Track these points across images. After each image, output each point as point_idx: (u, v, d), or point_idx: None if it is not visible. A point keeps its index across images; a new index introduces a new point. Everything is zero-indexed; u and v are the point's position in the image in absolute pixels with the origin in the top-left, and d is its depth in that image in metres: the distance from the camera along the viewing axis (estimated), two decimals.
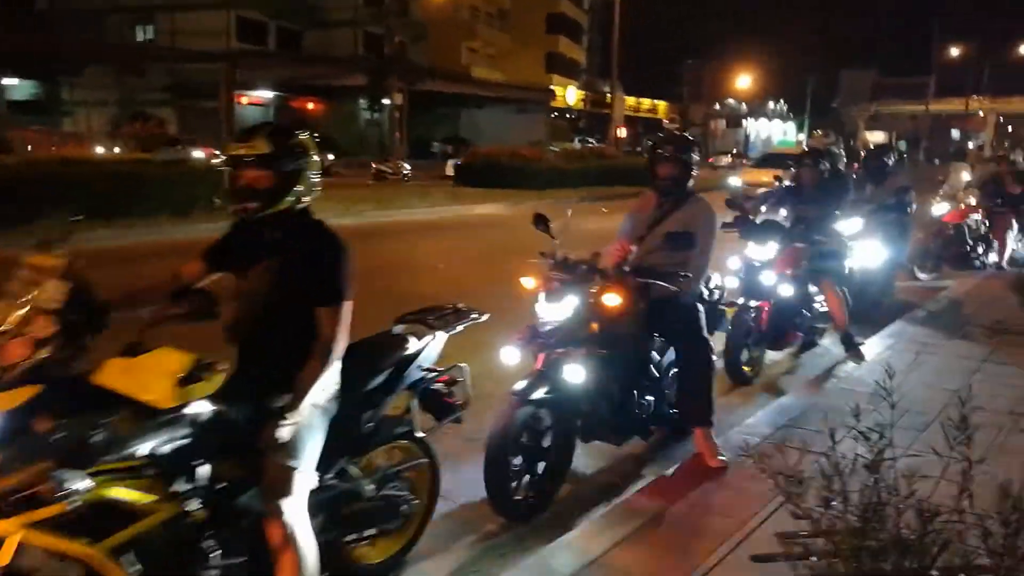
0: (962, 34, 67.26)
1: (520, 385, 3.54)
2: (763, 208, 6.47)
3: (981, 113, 72.14)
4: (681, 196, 4.28)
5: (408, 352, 3.01)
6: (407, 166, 28.31)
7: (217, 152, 33.53)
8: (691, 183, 4.31)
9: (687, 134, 4.50)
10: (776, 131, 77.88)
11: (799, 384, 5.54)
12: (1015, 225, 10.31)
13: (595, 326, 3.67)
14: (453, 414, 3.25)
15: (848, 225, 7.72)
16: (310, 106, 49.28)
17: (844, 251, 6.48)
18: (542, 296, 3.68)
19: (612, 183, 26.26)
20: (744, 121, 68.97)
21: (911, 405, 4.61)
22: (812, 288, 6.23)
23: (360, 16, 48.83)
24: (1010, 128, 77.66)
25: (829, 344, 6.58)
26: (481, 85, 51.05)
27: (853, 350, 6.09)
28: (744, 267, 5.83)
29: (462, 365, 3.31)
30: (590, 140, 57.32)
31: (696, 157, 4.29)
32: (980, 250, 10.23)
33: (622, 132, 58.81)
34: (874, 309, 8.18)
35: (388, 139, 40.62)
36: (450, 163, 27.18)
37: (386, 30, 42.04)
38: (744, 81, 65.52)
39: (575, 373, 3.56)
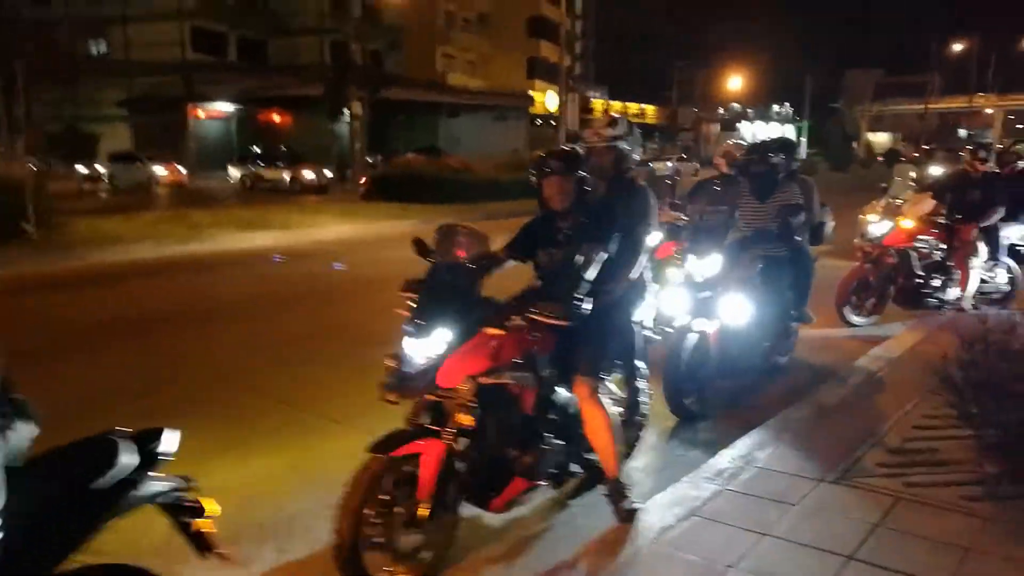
0: (967, 29, 63.97)
1: None
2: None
3: (989, 110, 69.11)
4: None
5: None
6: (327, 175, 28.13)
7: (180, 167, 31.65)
8: None
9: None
10: (774, 134, 74.94)
11: None
12: (981, 249, 7.45)
13: None
14: None
15: (699, 266, 4.99)
16: (276, 118, 47.17)
17: (619, 318, 3.69)
18: None
19: None
20: (738, 124, 66.16)
21: None
22: (563, 394, 3.46)
23: (325, 24, 46.57)
24: (1019, 125, 74.39)
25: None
26: (452, 92, 48.60)
27: (623, 516, 3.31)
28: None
29: None
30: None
31: None
32: (937, 283, 7.39)
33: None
34: (749, 389, 5.45)
35: (349, 150, 38.10)
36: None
37: (345, 37, 39.68)
38: (736, 83, 62.73)
39: None
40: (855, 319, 7.37)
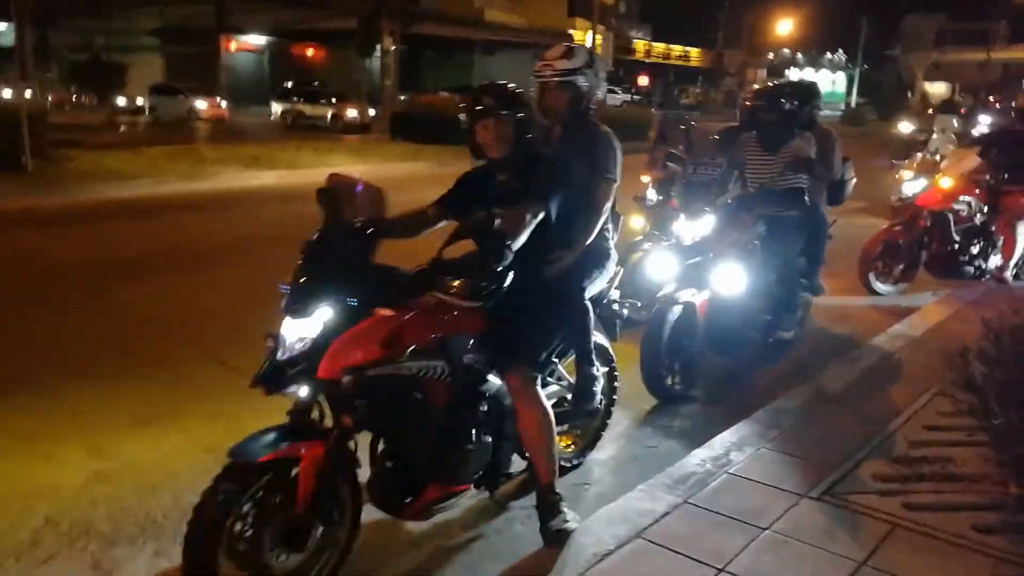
0: None
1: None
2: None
3: None
4: None
5: None
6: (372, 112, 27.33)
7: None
8: None
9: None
10: (824, 82, 72.32)
11: None
12: None
13: None
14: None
15: (689, 227, 4.35)
16: (310, 52, 46.38)
17: (567, 293, 3.08)
18: None
19: None
20: (787, 71, 63.61)
21: None
22: (497, 383, 2.88)
23: None
24: None
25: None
26: (487, 28, 47.16)
27: (550, 537, 2.75)
28: None
29: None
30: (615, 90, 53.81)
31: None
32: (975, 250, 6.61)
33: (643, 80, 54.67)
34: (745, 369, 4.84)
35: (380, 86, 37.17)
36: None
37: None
38: (786, 27, 59.90)
39: None
40: (880, 287, 6.65)
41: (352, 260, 2.51)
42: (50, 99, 31.01)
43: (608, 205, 3.20)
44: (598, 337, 3.53)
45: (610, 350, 3.61)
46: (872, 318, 6.07)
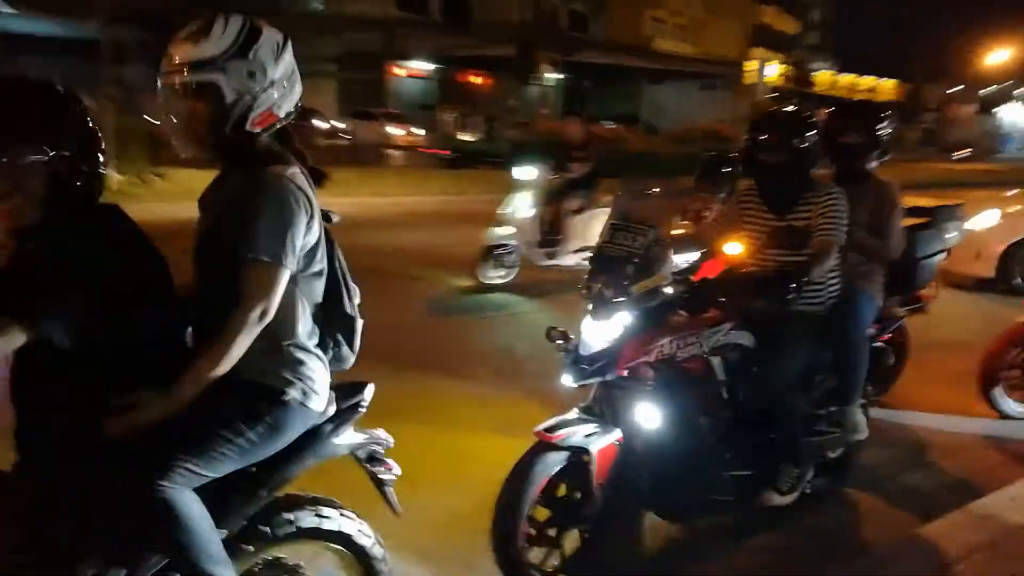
0: None
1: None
2: None
3: None
4: None
5: None
6: None
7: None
8: None
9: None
10: None
11: None
12: None
13: None
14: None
15: (593, 328, 2.80)
16: (478, 80, 47.00)
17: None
18: None
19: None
20: (1000, 108, 56.67)
21: None
22: None
23: None
24: None
25: None
26: (651, 57, 45.68)
27: None
28: None
29: None
30: None
31: None
32: None
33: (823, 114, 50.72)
34: (697, 557, 3.13)
35: (534, 114, 36.79)
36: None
37: None
38: (1003, 56, 53.08)
39: None
40: (1012, 407, 4.55)
41: None
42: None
43: (268, 304, 1.73)
44: (334, 520, 2.07)
45: (364, 540, 2.12)
46: (988, 460, 4.02)
